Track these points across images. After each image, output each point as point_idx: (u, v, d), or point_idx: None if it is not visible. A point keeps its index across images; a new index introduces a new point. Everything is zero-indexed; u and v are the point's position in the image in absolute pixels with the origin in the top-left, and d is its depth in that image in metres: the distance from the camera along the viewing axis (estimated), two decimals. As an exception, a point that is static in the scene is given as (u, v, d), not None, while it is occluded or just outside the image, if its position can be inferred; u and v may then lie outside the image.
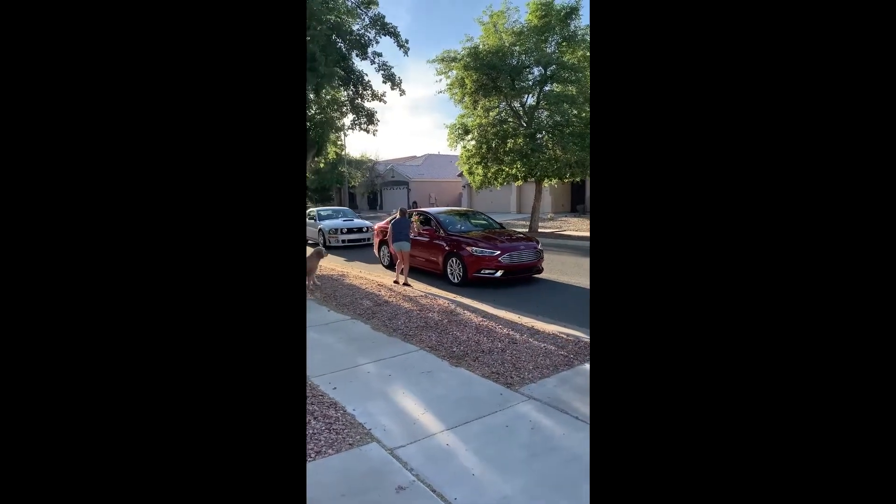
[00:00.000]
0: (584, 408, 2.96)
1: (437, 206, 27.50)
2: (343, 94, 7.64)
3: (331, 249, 10.68)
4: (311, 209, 14.45)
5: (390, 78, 7.54)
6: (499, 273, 7.05)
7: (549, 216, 21.17)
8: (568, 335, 4.44)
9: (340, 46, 7.02)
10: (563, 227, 16.59)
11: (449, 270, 7.49)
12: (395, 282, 7.36)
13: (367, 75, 7.52)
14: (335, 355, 4.00)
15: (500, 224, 8.92)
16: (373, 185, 34.68)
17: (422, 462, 2.39)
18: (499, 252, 7.07)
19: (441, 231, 7.87)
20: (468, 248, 7.17)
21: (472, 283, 7.11)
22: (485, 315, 5.22)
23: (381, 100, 7.77)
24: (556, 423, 2.78)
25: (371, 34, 7.42)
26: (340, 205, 29.82)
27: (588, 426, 2.74)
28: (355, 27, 7.25)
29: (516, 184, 16.16)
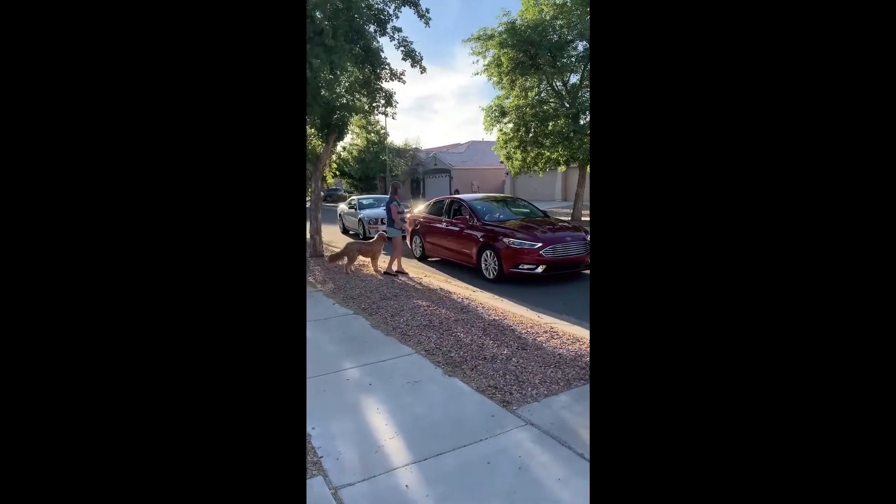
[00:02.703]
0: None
1: (479, 194, 26.94)
2: (359, 74, 7.16)
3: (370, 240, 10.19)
4: (352, 198, 14.17)
5: (410, 55, 6.98)
6: (539, 269, 6.02)
7: (595, 204, 19.95)
8: (591, 341, 3.78)
9: (357, 20, 6.53)
10: (610, 215, 15.47)
11: (483, 265, 6.58)
12: (387, 272, 6.76)
13: (383, 51, 7.00)
14: (321, 357, 3.58)
15: (544, 212, 7.85)
16: (415, 173, 34.48)
17: (367, 510, 1.90)
18: (540, 244, 6.03)
19: (475, 220, 6.92)
20: (504, 240, 6.21)
21: (508, 280, 6.19)
22: (499, 313, 4.64)
23: (399, 79, 7.23)
24: (553, 461, 2.19)
25: (390, 8, 6.89)
26: (385, 193, 29.85)
27: (593, 468, 2.13)
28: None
29: (560, 169, 15.20)
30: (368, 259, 7.34)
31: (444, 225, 7.55)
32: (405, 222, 7.03)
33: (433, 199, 8.51)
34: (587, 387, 2.98)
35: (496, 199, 8.17)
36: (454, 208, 7.58)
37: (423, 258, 8.29)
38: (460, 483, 2.05)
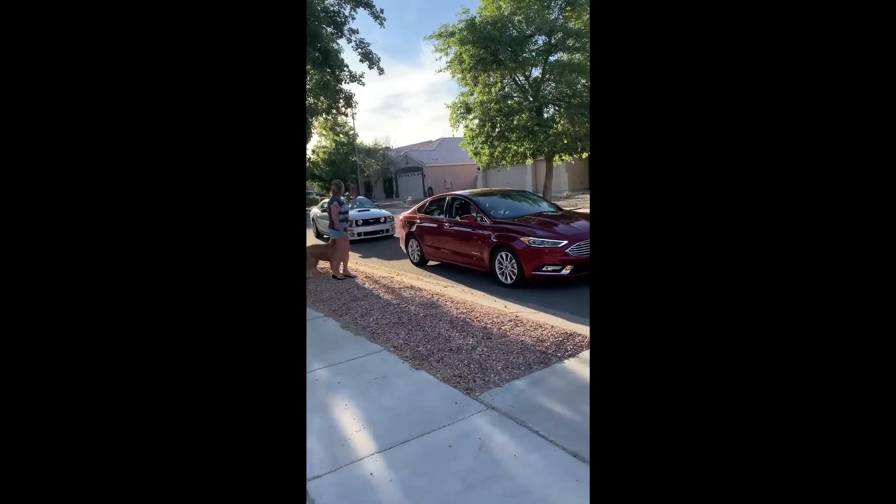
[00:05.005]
0: (546, 420, 2.48)
1: (454, 191, 26.75)
2: (318, 77, 7.16)
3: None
4: (324, 201, 13.95)
5: (367, 56, 7.03)
6: (566, 270, 5.31)
7: (565, 194, 20.36)
8: (553, 326, 3.94)
9: (313, 22, 6.53)
10: (580, 205, 15.82)
11: (498, 268, 5.82)
12: (335, 276, 6.56)
13: (342, 53, 7.02)
14: (290, 360, 3.64)
15: (557, 206, 7.09)
16: (387, 173, 34.37)
17: (332, 499, 1.99)
18: (565, 242, 5.30)
19: (484, 218, 6.17)
20: (523, 239, 5.48)
21: (530, 284, 5.50)
22: (467, 307, 4.77)
23: (359, 81, 7.26)
24: (510, 441, 2.33)
25: (346, 9, 6.92)
26: (358, 194, 29.62)
27: (546, 443, 2.27)
28: (329, 1, 6.74)
29: (528, 162, 15.44)
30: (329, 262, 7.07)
31: (446, 225, 6.77)
32: (348, 222, 6.59)
33: (430, 198, 7.74)
34: (547, 370, 3.13)
35: (502, 193, 7.27)
36: (457, 206, 6.80)
37: (421, 263, 7.55)
38: (422, 467, 2.16)
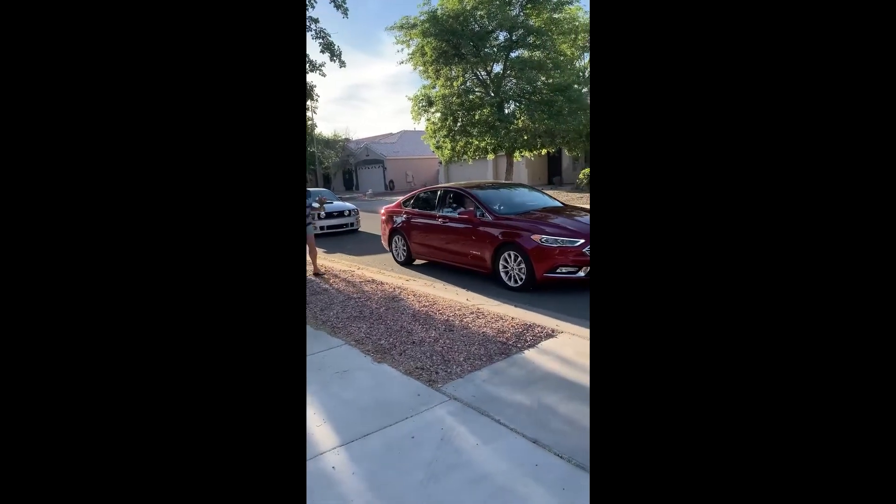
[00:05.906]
0: (507, 408, 2.55)
1: (415, 185, 26.60)
2: None
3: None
4: None
5: (329, 48, 6.84)
6: (583, 272, 4.79)
7: (525, 189, 20.74)
8: (513, 317, 4.03)
9: None
10: (538, 199, 16.15)
11: (502, 269, 5.23)
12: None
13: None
14: (247, 356, 3.54)
15: (559, 200, 6.51)
16: (346, 165, 33.80)
17: (294, 494, 1.97)
18: (581, 241, 4.78)
19: (485, 213, 5.55)
20: (534, 237, 4.90)
21: (541, 288, 4.96)
22: (429, 300, 4.79)
23: (319, 70, 7.08)
24: (472, 430, 2.37)
25: (305, -4, 6.71)
26: (315, 186, 28.95)
27: (507, 431, 2.34)
28: None
29: (489, 157, 15.61)
30: None
31: (439, 221, 6.12)
32: (308, 216, 6.23)
33: (418, 190, 7.08)
34: (507, 360, 3.21)
35: (501, 186, 6.67)
36: (450, 200, 6.19)
37: (407, 262, 6.89)
38: (386, 458, 2.17)
